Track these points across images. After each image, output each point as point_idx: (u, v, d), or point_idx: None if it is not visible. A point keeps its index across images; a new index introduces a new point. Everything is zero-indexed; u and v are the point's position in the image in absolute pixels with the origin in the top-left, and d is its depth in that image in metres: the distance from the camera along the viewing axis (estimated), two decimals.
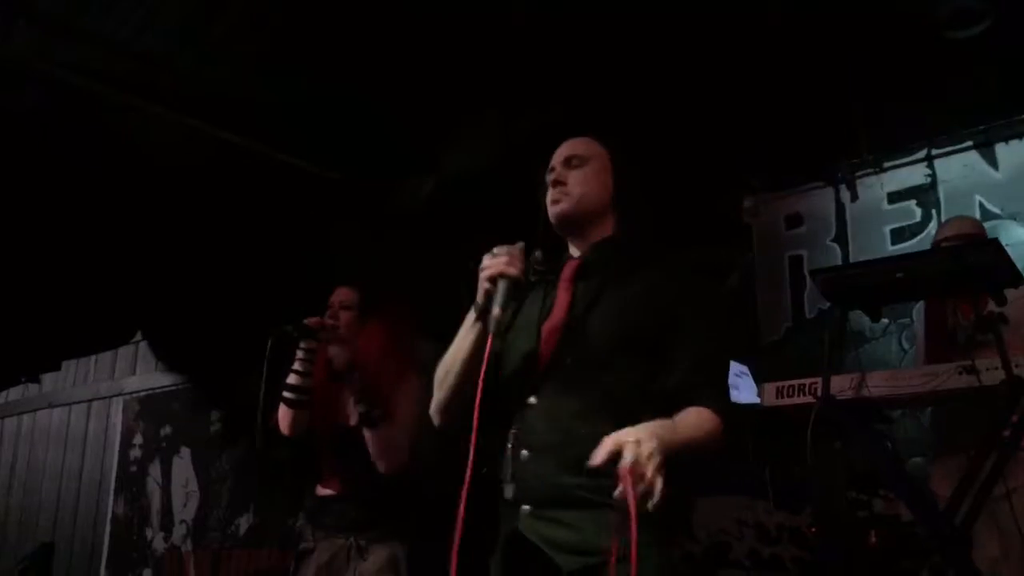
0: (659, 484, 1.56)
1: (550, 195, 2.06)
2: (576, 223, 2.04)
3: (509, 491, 1.85)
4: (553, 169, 2.07)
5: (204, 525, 6.16)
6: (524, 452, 1.84)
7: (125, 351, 7.17)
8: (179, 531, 6.31)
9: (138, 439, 6.90)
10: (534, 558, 1.78)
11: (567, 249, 2.10)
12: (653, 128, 4.81)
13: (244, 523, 5.91)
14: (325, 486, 3.06)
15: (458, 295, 2.06)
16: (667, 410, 1.81)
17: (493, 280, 1.86)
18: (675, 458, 1.67)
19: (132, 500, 6.75)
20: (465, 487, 1.68)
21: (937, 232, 3.60)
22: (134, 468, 6.84)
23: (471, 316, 1.92)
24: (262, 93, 4.58)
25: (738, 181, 5.37)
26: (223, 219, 5.23)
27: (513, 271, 1.85)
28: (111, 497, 6.90)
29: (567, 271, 2.02)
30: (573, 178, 2.04)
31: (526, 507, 1.81)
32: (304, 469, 5.44)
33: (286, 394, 3.04)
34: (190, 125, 4.67)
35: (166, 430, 6.71)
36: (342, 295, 3.18)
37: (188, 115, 4.65)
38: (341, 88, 4.54)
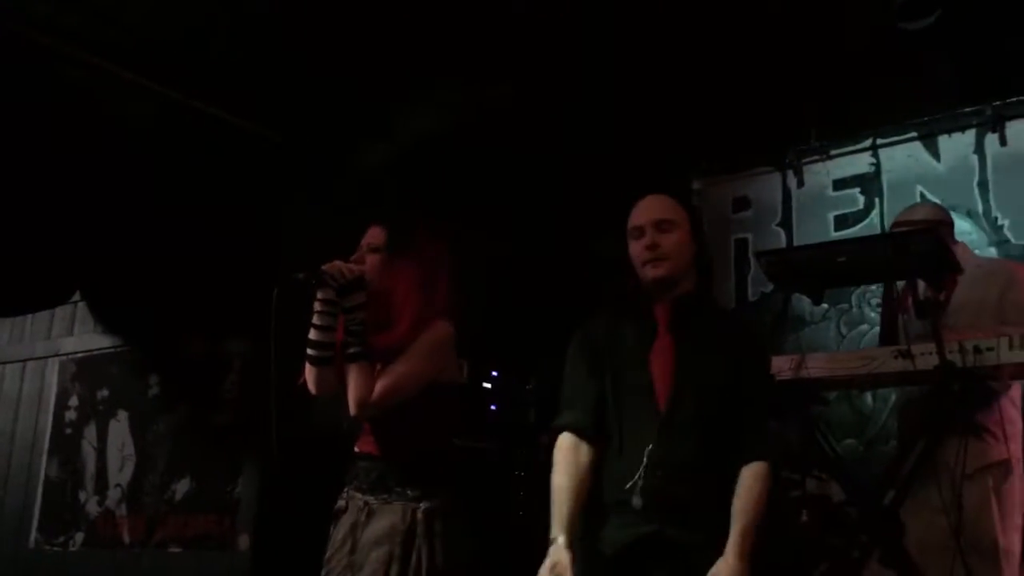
0: None
1: (642, 256, 2.33)
2: (670, 285, 2.32)
3: (638, 502, 2.18)
4: (642, 230, 2.32)
5: (140, 489, 6.07)
6: (659, 472, 2.18)
7: (63, 311, 7.02)
8: (114, 495, 6.22)
9: (73, 401, 6.78)
10: (664, 553, 2.16)
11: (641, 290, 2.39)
12: (606, 107, 4.83)
13: (181, 488, 5.84)
14: (358, 443, 2.81)
15: None
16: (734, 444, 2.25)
17: None
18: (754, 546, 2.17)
19: (66, 463, 6.63)
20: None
21: (901, 214, 3.60)
22: (69, 430, 6.72)
23: None
24: (207, 50, 4.49)
25: (688, 162, 5.42)
26: (167, 178, 5.14)
27: None
28: (44, 459, 6.77)
29: (661, 315, 2.33)
30: (668, 243, 2.30)
31: (656, 515, 2.17)
32: (245, 435, 5.42)
33: (308, 351, 2.73)
34: (135, 81, 4.57)
35: (103, 393, 6.60)
36: (372, 235, 2.82)
37: (132, 70, 4.54)
38: (289, 47, 4.47)
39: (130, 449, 6.26)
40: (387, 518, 2.67)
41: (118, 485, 6.23)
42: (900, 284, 3.41)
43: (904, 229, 3.29)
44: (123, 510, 6.13)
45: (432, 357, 2.71)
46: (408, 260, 2.78)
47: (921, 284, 3.25)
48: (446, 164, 5.13)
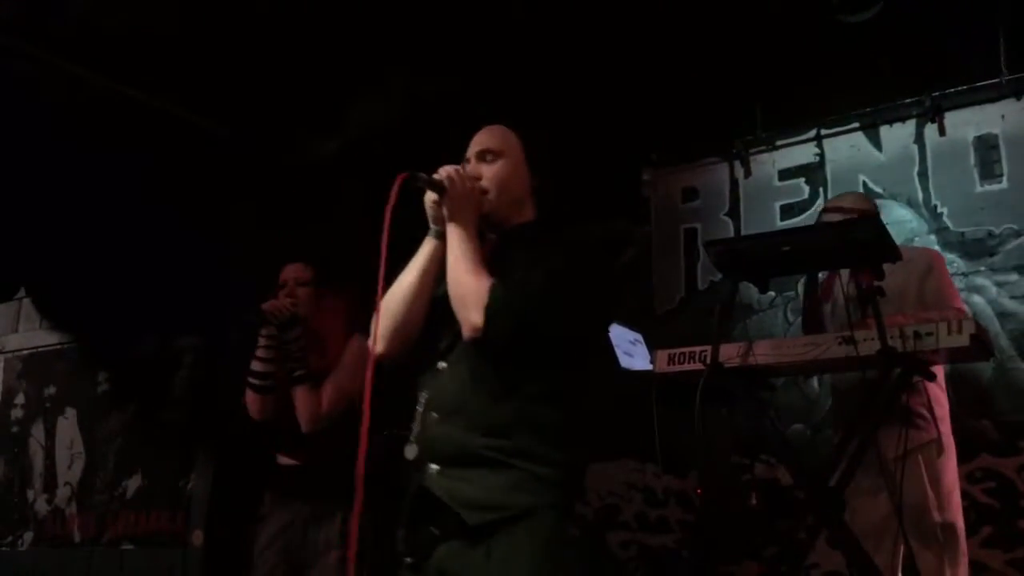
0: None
1: None
2: (494, 219, 2.06)
3: (412, 452, 1.93)
4: (468, 161, 2.09)
5: (90, 487, 6.00)
6: (433, 414, 1.92)
7: (7, 308, 6.90)
8: (63, 493, 6.14)
9: (20, 399, 6.67)
10: (440, 514, 1.87)
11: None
12: (556, 100, 4.86)
13: (132, 485, 5.78)
14: (288, 455, 3.09)
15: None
16: (547, 378, 1.92)
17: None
18: (451, 235, 1.93)
19: (13, 461, 6.53)
20: (363, 446, 1.81)
21: (829, 202, 3.68)
22: (15, 428, 6.61)
23: (427, 240, 2.01)
24: (153, 42, 4.43)
25: (638, 154, 5.48)
26: (113, 174, 5.07)
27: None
28: None
29: (486, 251, 2.01)
30: (488, 174, 2.05)
31: (433, 466, 1.89)
32: (196, 431, 5.38)
33: (251, 380, 3.04)
34: (81, 75, 4.50)
35: (50, 390, 6.50)
36: (296, 272, 3.15)
37: (76, 63, 4.47)
38: (238, 41, 4.43)
39: (79, 447, 6.17)
40: (339, 520, 2.92)
41: (67, 483, 6.15)
42: (823, 274, 3.51)
43: (837, 217, 3.37)
44: (73, 508, 6.05)
45: (362, 368, 2.99)
46: (334, 293, 3.15)
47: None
48: (392, 159, 5.12)
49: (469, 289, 1.87)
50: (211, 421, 5.36)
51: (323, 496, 2.95)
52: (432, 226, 2.01)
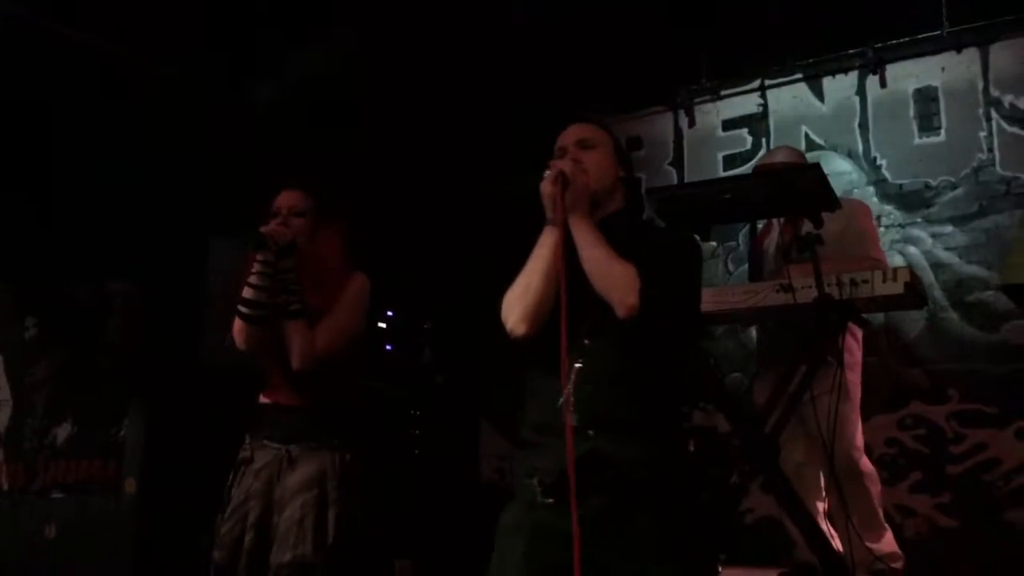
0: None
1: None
2: (593, 200, 2.26)
3: (575, 419, 2.11)
4: (565, 150, 2.33)
5: (18, 435, 5.85)
6: (589, 387, 2.12)
7: None
8: None
9: None
10: (601, 471, 2.07)
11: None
12: (499, 50, 4.80)
13: (62, 433, 5.66)
14: (268, 395, 2.95)
15: None
16: (673, 350, 2.23)
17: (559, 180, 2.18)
18: (578, 225, 2.16)
19: None
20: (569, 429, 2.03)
21: (764, 156, 3.72)
22: None
23: (549, 230, 2.21)
24: None
25: (583, 103, 5.43)
26: (41, 112, 4.88)
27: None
28: None
29: None
30: (588, 159, 2.29)
31: (591, 431, 2.09)
32: (129, 378, 5.27)
33: (241, 308, 2.83)
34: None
35: None
36: (291, 200, 2.96)
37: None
38: None
39: (6, 393, 6.02)
40: (314, 464, 2.81)
41: None
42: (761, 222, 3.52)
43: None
44: (0, 456, 5.92)
45: (362, 308, 2.96)
46: (333, 226, 2.99)
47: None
48: (339, 107, 5.03)
49: (617, 273, 2.11)
50: (144, 368, 5.26)
51: (301, 437, 2.85)
52: (550, 215, 2.21)
